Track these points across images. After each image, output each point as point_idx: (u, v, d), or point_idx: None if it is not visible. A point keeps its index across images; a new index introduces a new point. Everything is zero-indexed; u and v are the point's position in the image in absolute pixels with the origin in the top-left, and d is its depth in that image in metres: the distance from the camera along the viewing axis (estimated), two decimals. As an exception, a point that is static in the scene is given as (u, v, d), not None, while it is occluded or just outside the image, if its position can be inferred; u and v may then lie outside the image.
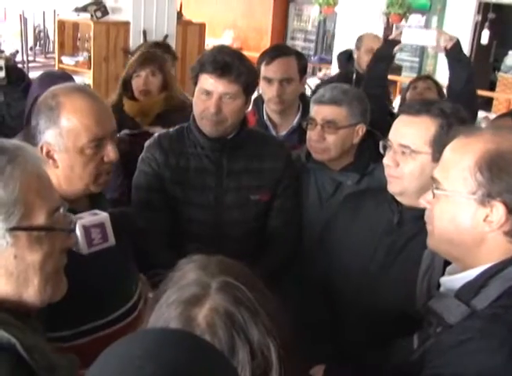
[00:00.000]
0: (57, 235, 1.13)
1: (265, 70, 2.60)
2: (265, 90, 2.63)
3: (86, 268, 1.39)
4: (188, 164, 2.14)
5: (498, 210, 1.19)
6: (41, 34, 8.54)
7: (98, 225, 1.44)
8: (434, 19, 9.45)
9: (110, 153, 1.59)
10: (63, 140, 1.54)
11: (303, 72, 2.64)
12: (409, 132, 1.72)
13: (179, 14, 5.33)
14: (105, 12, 4.74)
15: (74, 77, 5.00)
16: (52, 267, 1.11)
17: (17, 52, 7.98)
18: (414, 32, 3.13)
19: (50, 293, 1.12)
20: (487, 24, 8.27)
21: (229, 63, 2.00)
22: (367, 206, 1.92)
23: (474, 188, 1.22)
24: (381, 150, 1.81)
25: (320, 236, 2.05)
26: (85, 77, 5.01)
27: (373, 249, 1.82)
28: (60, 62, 5.13)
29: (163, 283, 0.96)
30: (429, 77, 3.83)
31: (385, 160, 1.77)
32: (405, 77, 9.04)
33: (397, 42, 3.14)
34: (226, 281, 0.91)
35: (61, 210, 1.15)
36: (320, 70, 10.07)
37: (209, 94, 2.03)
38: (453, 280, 1.30)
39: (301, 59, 2.65)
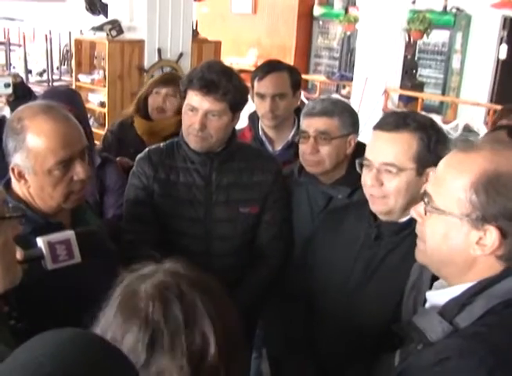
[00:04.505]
0: (8, 223, 1.17)
1: (257, 86, 2.60)
2: (259, 106, 2.63)
3: (53, 286, 1.40)
4: (177, 179, 2.15)
5: (492, 234, 1.13)
6: (68, 53, 8.73)
7: (63, 241, 1.45)
8: (459, 36, 9.37)
9: (80, 172, 1.61)
10: (30, 163, 1.57)
11: (296, 87, 2.63)
12: (392, 150, 1.67)
13: (194, 32, 5.38)
14: (120, 31, 4.81)
15: (90, 94, 5.16)
16: (9, 255, 1.17)
17: (44, 71, 8.19)
18: None
19: (10, 279, 1.18)
20: (505, 39, 8.15)
21: (216, 81, 2.01)
22: (348, 220, 1.90)
23: (468, 210, 1.14)
24: (358, 169, 1.77)
25: (302, 250, 2.03)
26: (101, 95, 5.09)
27: (352, 264, 1.80)
28: (77, 80, 5.23)
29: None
30: None
31: (367, 181, 1.72)
32: (428, 94, 8.98)
33: None
34: (172, 275, 1.03)
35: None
36: (344, 87, 10.01)
37: (195, 110, 2.05)
38: (439, 295, 1.25)
39: (294, 74, 2.63)
